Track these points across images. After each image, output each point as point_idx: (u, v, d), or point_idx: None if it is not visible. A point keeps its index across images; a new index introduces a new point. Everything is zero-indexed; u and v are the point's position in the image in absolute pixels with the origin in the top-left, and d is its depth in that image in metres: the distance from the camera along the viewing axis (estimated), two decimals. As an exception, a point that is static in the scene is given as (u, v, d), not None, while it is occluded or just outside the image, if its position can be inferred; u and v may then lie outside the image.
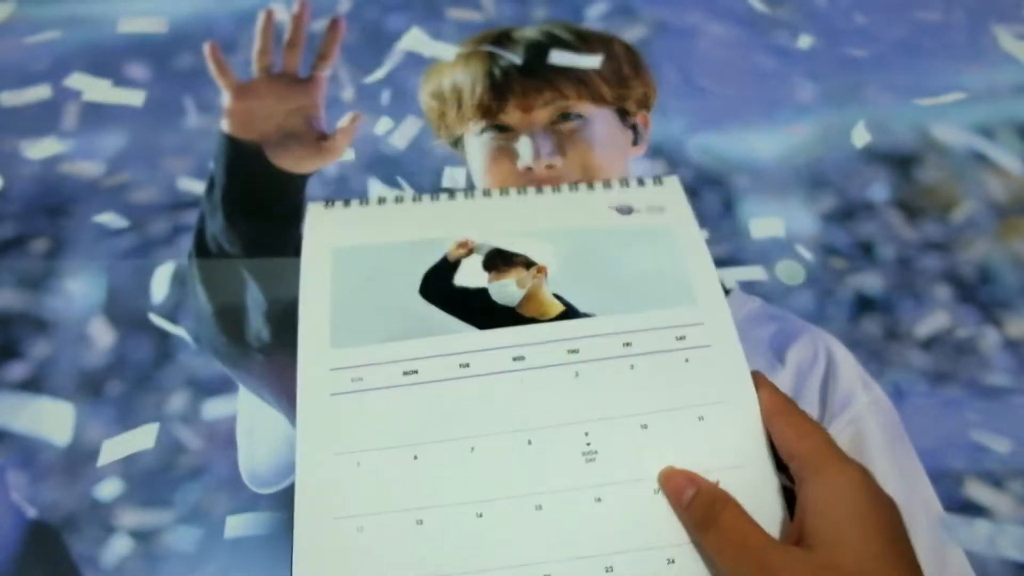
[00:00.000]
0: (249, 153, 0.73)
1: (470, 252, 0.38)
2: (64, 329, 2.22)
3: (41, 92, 1.06)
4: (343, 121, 0.77)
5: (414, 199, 0.42)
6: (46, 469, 2.01)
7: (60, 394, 2.09)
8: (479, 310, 0.35)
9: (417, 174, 1.04)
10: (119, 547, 1.86)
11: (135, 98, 0.89)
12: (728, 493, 0.31)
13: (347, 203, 0.42)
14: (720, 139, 2.51)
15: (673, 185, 0.41)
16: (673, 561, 0.30)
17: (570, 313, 0.35)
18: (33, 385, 2.12)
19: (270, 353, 0.76)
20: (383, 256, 0.39)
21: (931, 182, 2.50)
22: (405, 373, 0.34)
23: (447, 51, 0.82)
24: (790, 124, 2.53)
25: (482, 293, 0.36)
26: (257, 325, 0.75)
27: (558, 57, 0.78)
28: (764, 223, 1.23)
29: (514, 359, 0.34)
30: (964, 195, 2.40)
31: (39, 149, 1.26)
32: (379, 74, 0.98)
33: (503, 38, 0.84)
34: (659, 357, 0.34)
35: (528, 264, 0.37)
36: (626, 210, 0.39)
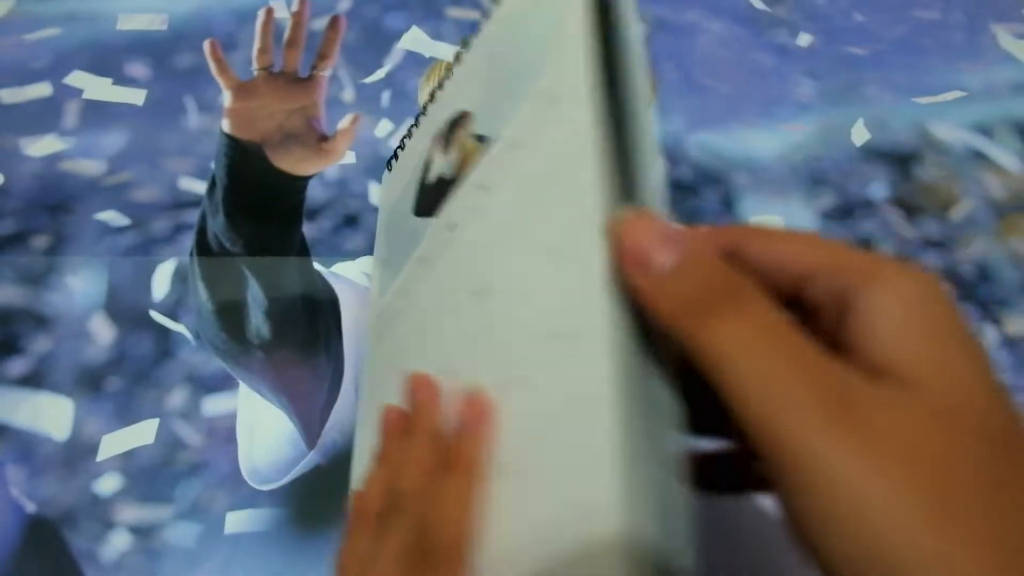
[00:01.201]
0: (250, 153, 0.73)
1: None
2: (64, 325, 2.22)
3: (42, 90, 1.06)
4: (343, 123, 0.76)
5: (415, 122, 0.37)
6: (45, 464, 2.01)
7: (60, 389, 2.10)
8: (436, 199, 0.32)
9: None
10: (118, 542, 1.87)
11: (136, 97, 0.88)
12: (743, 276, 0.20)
13: (395, 157, 0.38)
14: (719, 137, 2.51)
15: None
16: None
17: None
18: (33, 380, 2.13)
19: (270, 350, 0.76)
20: (403, 191, 0.36)
21: (930, 180, 2.50)
22: (397, 296, 0.33)
23: (447, 51, 0.82)
24: (789, 122, 2.53)
25: (443, 180, 0.32)
26: (257, 323, 0.75)
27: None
28: (763, 221, 1.23)
29: (448, 230, 0.30)
30: (963, 193, 2.40)
31: (40, 147, 1.26)
32: (379, 74, 0.98)
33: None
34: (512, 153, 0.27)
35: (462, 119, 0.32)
36: None
